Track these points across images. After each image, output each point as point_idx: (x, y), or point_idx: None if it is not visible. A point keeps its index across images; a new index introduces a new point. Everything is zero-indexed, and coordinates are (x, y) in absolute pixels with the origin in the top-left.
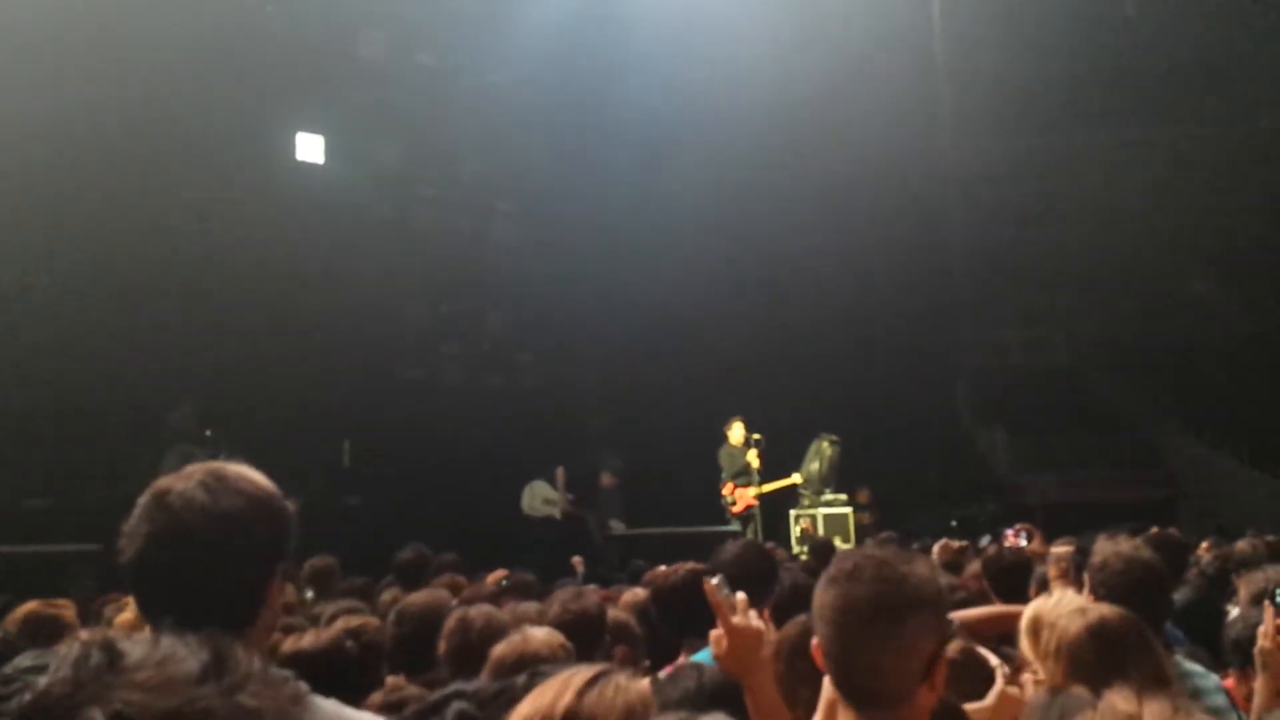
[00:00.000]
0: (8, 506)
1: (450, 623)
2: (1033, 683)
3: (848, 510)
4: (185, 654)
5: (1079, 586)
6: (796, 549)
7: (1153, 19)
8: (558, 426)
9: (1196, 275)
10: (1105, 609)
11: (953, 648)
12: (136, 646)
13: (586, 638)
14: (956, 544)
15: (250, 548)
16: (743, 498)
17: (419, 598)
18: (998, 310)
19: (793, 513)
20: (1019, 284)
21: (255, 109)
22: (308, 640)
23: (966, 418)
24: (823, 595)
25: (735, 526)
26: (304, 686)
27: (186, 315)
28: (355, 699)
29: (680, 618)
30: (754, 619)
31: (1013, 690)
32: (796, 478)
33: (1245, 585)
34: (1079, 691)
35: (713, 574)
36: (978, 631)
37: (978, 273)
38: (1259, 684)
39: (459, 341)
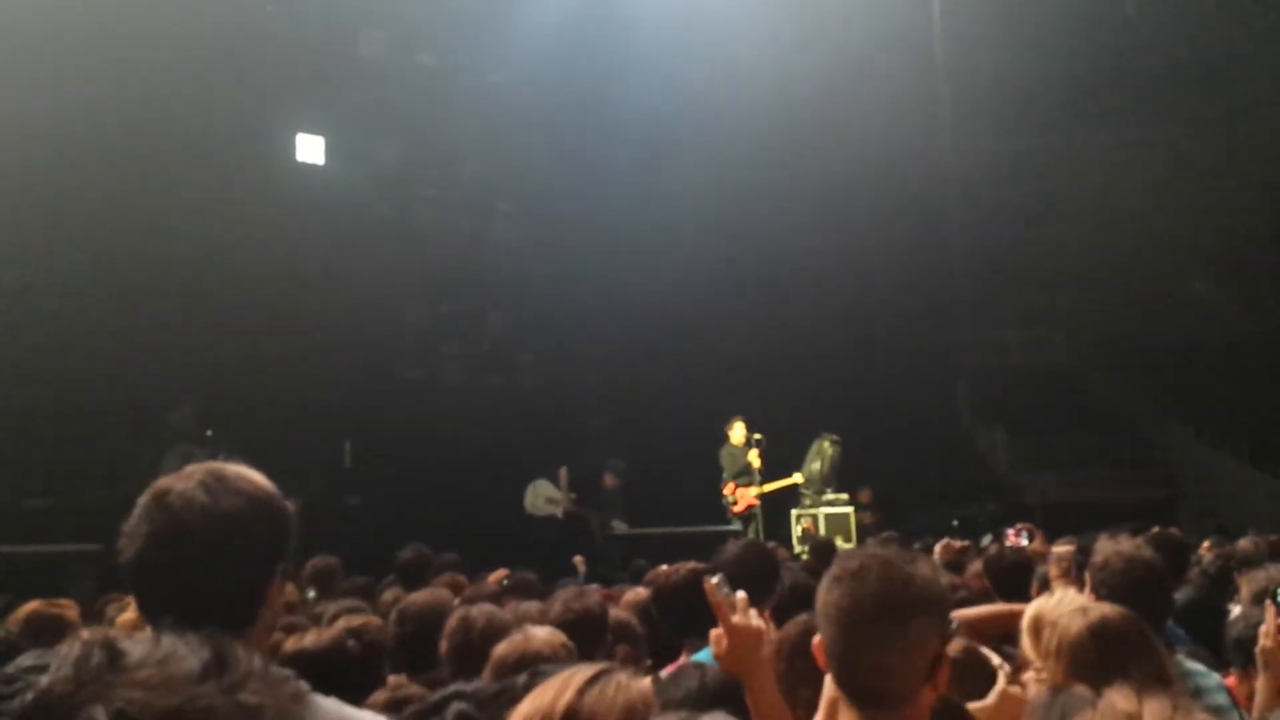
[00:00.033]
0: (8, 506)
1: (452, 622)
2: (1034, 682)
3: (849, 510)
4: (186, 653)
5: (1080, 586)
6: (798, 548)
7: (1153, 19)
8: (558, 426)
9: (1197, 275)
10: (1106, 608)
11: (954, 647)
12: (138, 645)
13: (588, 637)
14: (958, 544)
15: (250, 548)
16: (744, 497)
17: (420, 597)
18: (998, 310)
19: (794, 512)
20: (1019, 284)
21: (255, 109)
22: (310, 640)
23: (967, 418)
24: (827, 595)
25: (737, 526)
26: (304, 685)
27: (187, 315)
28: (357, 698)
29: (681, 617)
30: (754, 618)
31: (1014, 690)
32: (798, 477)
33: (1247, 584)
34: (1080, 690)
35: (714, 573)
36: (979, 630)
37: (978, 273)
38: (1260, 683)
39: (459, 341)
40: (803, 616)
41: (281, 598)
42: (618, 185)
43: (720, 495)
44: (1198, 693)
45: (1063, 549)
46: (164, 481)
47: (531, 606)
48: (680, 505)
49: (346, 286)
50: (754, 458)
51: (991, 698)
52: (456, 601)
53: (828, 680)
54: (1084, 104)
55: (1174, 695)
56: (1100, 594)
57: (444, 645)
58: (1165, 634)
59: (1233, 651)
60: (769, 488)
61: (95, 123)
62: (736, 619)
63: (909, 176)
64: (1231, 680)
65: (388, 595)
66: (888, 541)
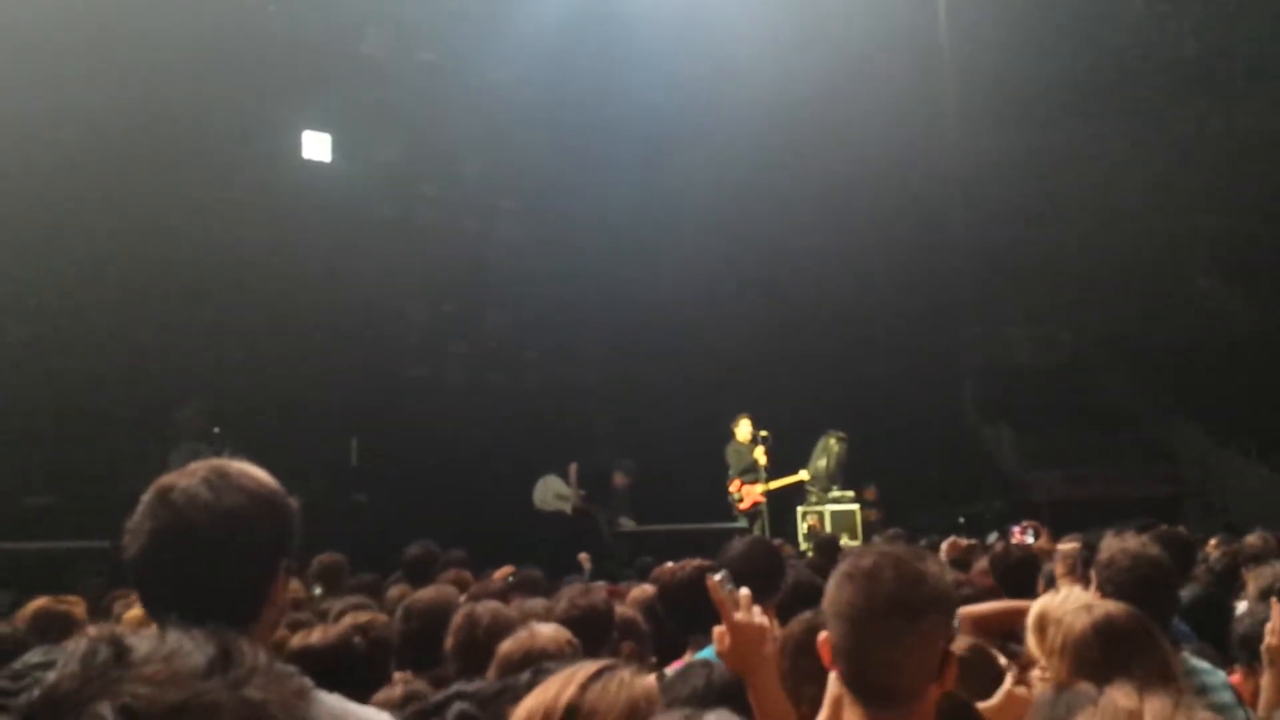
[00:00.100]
0: (15, 504)
1: (458, 619)
2: (1040, 681)
3: (855, 507)
4: (192, 648)
5: (1086, 583)
6: (804, 545)
7: (1161, 12)
8: (561, 424)
9: (1200, 272)
10: (1111, 605)
11: (961, 645)
12: (143, 641)
13: (594, 634)
14: (965, 541)
15: (253, 544)
16: (750, 494)
17: (426, 594)
18: (1001, 308)
19: (800, 509)
20: (1022, 282)
21: (257, 108)
22: (316, 636)
23: (971, 415)
24: (838, 592)
25: (742, 523)
26: (308, 681)
27: (192, 314)
28: (363, 695)
29: (687, 614)
30: (757, 615)
31: (1020, 690)
32: (804, 474)
33: (1253, 580)
34: (1085, 688)
35: (719, 570)
36: (984, 626)
37: (980, 271)
38: (1266, 680)
39: (463, 340)
40: (807, 614)
41: (287, 594)
42: (619, 183)
43: (725, 493)
44: (1203, 690)
45: (1068, 546)
46: (168, 478)
47: (537, 603)
48: (685, 503)
49: (349, 285)
50: (760, 455)
51: (998, 697)
52: (462, 598)
53: (832, 678)
54: (1085, 103)
55: (1176, 693)
56: (1106, 591)
57: (449, 642)
58: (1171, 631)
59: (1239, 649)
60: (775, 485)
61: (99, 123)
62: (739, 616)
63: (910, 176)
64: (1237, 677)
65: (394, 592)
66: (895, 539)
